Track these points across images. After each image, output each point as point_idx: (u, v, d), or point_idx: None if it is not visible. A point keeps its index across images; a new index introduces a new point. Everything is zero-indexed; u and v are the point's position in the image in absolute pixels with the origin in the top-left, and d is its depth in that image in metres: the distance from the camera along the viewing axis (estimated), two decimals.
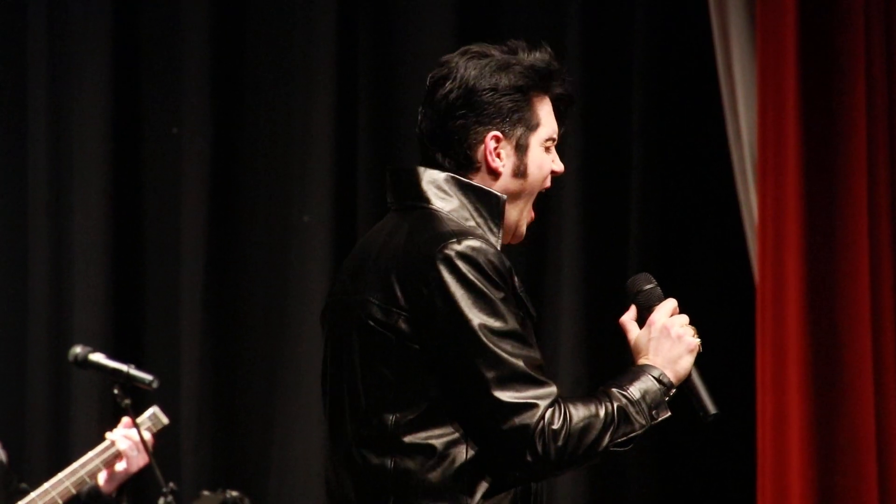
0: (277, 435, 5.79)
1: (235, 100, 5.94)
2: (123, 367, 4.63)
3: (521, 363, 2.78)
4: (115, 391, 4.60)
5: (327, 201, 5.74)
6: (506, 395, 2.76)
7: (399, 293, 2.82)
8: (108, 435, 4.55)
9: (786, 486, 5.30)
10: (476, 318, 2.79)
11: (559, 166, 2.97)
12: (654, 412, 2.85)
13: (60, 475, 4.52)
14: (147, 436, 4.57)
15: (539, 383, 2.78)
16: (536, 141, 2.95)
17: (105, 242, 5.91)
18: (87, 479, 4.52)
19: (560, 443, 2.76)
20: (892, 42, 5.33)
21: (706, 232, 5.71)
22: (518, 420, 2.75)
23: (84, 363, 4.68)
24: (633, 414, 2.82)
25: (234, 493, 4.95)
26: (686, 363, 2.91)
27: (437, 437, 2.81)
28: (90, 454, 4.53)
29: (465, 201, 2.90)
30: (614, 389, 2.83)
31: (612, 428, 2.81)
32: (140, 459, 4.55)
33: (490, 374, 2.77)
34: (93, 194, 5.89)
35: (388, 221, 2.95)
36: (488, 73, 2.91)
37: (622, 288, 5.07)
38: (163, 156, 5.96)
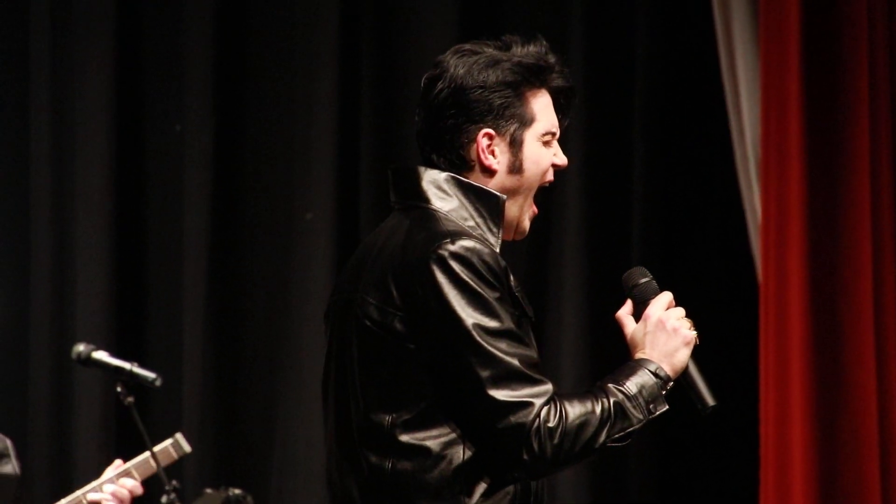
0: (279, 433, 5.79)
1: (238, 97, 5.94)
2: (126, 365, 4.62)
3: (515, 362, 2.77)
4: (118, 389, 4.60)
5: (330, 199, 5.74)
6: (501, 394, 2.76)
7: (395, 293, 2.82)
8: (98, 492, 4.49)
9: (788, 483, 5.31)
10: (470, 317, 2.79)
11: (561, 159, 2.96)
12: (651, 406, 2.83)
13: None
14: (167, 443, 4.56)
15: (534, 381, 2.77)
16: (532, 136, 2.94)
17: (108, 240, 5.90)
18: None
19: (556, 440, 2.75)
20: (895, 40, 5.35)
21: (709, 230, 5.71)
22: (514, 419, 2.75)
23: (87, 361, 4.68)
24: (630, 409, 2.81)
25: (237, 491, 4.95)
26: (683, 356, 2.90)
27: (434, 437, 2.81)
28: (79, 493, 4.50)
29: (465, 201, 2.90)
30: (611, 385, 2.83)
31: (608, 424, 2.80)
32: None
33: (485, 374, 2.77)
34: (95, 192, 5.89)
35: (391, 221, 2.96)
36: (476, 71, 2.90)
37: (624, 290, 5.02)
38: (166, 153, 5.96)
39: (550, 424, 2.75)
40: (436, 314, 2.81)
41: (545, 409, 2.75)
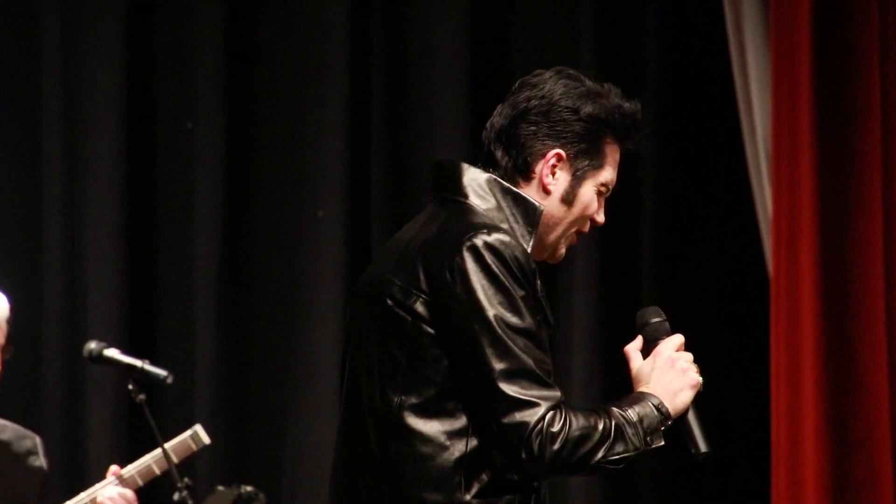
0: (291, 430, 5.80)
1: (249, 95, 5.96)
2: (138, 363, 4.65)
3: (530, 361, 2.80)
4: (130, 387, 4.61)
5: (341, 196, 5.75)
6: (510, 389, 2.79)
7: (422, 276, 2.86)
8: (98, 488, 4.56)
9: (801, 481, 5.31)
10: (493, 309, 2.82)
11: (601, 218, 3.01)
12: (648, 438, 2.87)
13: None
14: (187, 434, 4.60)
15: (545, 384, 2.80)
16: (593, 180, 2.99)
17: (119, 238, 5.92)
18: None
19: (556, 446, 2.78)
20: None
21: (720, 227, 5.71)
22: (518, 416, 2.78)
23: (99, 358, 4.71)
24: (630, 435, 2.85)
25: (249, 489, 4.96)
26: (686, 397, 2.94)
27: (438, 426, 2.83)
28: (83, 496, 4.56)
29: (503, 204, 2.94)
30: (614, 408, 2.86)
31: (607, 443, 2.83)
32: None
33: (499, 366, 2.80)
34: (107, 190, 5.91)
35: (426, 213, 3.00)
36: (575, 96, 2.95)
37: (634, 284, 5.03)
38: (177, 151, 5.98)
39: (553, 429, 2.78)
40: (461, 300, 2.83)
41: (551, 413, 2.78)
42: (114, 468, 4.56)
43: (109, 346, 4.73)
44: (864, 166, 5.32)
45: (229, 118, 5.90)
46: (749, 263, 5.53)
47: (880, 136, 5.30)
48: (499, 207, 2.94)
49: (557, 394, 2.81)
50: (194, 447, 4.65)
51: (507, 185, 2.95)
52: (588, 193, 2.98)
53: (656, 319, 3.01)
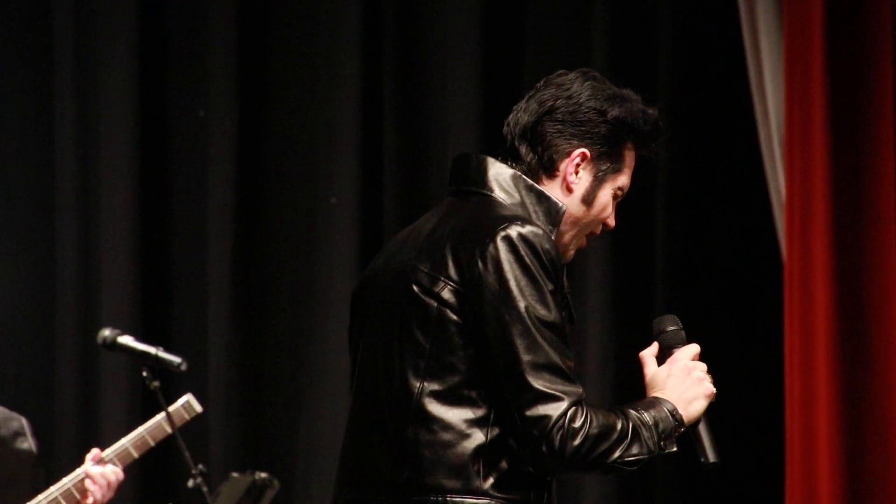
0: (305, 416, 5.82)
1: (261, 82, 5.97)
2: (152, 350, 4.64)
3: (556, 356, 2.82)
4: (144, 374, 4.62)
5: (354, 183, 5.78)
6: (537, 382, 2.80)
7: (451, 264, 2.88)
8: (83, 468, 4.55)
9: (814, 466, 5.32)
10: (525, 300, 2.84)
11: (612, 221, 3.05)
12: (662, 442, 2.89)
13: (40, 497, 4.52)
14: (189, 408, 4.59)
15: (569, 380, 2.82)
16: (612, 183, 3.03)
17: (132, 225, 5.95)
18: (62, 501, 4.51)
19: (577, 442, 2.80)
20: None
21: (734, 211, 5.72)
22: (542, 409, 2.80)
23: (112, 346, 4.70)
24: (645, 437, 2.87)
25: (263, 475, 4.97)
26: (699, 406, 2.96)
27: (460, 413, 2.84)
28: (65, 480, 4.55)
29: (527, 201, 2.96)
30: (631, 410, 2.88)
31: (624, 443, 2.84)
32: (101, 496, 4.57)
33: (526, 358, 2.81)
34: (120, 178, 5.94)
35: (445, 204, 3.01)
36: (602, 98, 2.99)
37: (648, 271, 4.99)
38: (189, 139, 5.99)
39: (575, 425, 2.80)
40: (492, 289, 2.85)
41: (573, 408, 2.80)
42: (94, 451, 4.56)
43: (123, 333, 4.72)
44: (877, 150, 5.31)
45: (242, 105, 5.93)
46: (763, 249, 5.54)
47: (893, 117, 5.30)
48: (522, 204, 2.96)
49: (579, 390, 2.83)
50: (187, 416, 4.64)
51: (531, 182, 2.98)
52: (606, 196, 3.02)
53: (673, 328, 3.03)
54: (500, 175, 2.99)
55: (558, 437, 2.80)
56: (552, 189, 3.00)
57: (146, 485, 5.68)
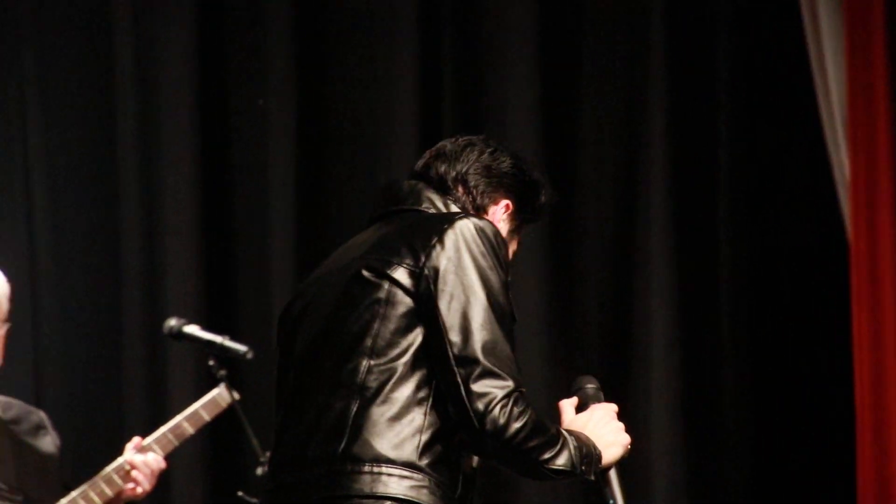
0: None
1: (320, 71, 6.00)
2: (217, 339, 4.68)
3: (508, 345, 2.93)
4: (211, 363, 4.65)
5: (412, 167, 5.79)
6: (488, 360, 2.89)
7: (405, 250, 2.99)
8: (126, 457, 4.60)
9: (886, 445, 5.30)
10: (486, 285, 2.95)
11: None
12: (584, 466, 2.96)
13: (84, 486, 4.58)
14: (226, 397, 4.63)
15: (517, 370, 2.92)
16: (516, 235, 3.21)
17: (195, 215, 5.98)
18: (106, 489, 4.58)
19: (517, 425, 2.88)
20: None
21: (798, 191, 5.74)
22: (490, 385, 2.88)
23: (179, 335, 4.76)
24: (573, 452, 2.94)
25: None
26: (615, 453, 3.02)
27: (403, 392, 2.92)
28: (108, 470, 4.60)
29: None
30: (561, 427, 2.97)
31: (555, 448, 2.92)
32: (147, 485, 4.61)
33: (481, 336, 2.91)
34: (182, 168, 5.96)
35: (372, 227, 3.13)
36: (529, 168, 3.20)
37: (713, 253, 4.92)
38: (249, 127, 6.02)
39: (518, 409, 2.88)
40: (453, 268, 2.95)
41: (517, 394, 2.89)
42: (136, 439, 4.61)
43: (189, 322, 4.78)
44: None
45: (300, 94, 5.94)
46: (828, 228, 5.56)
47: None
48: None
49: (522, 385, 2.91)
50: (223, 405, 4.66)
51: (459, 204, 3.13)
52: (512, 243, 3.18)
53: (592, 386, 3.13)
54: (433, 197, 3.12)
55: (500, 415, 2.88)
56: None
57: (216, 474, 5.72)
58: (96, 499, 4.51)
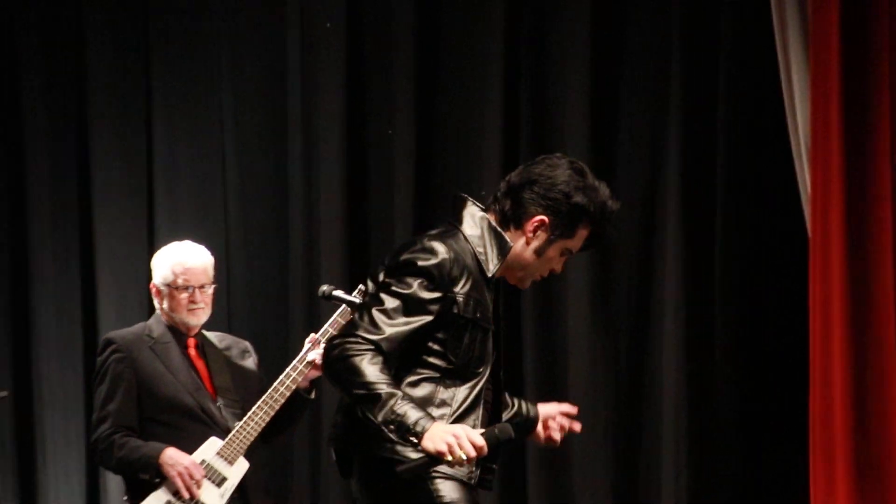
0: None
1: (432, 107, 6.54)
2: (357, 299, 4.99)
3: (379, 314, 3.28)
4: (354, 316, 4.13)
5: (498, 178, 4.79)
6: (360, 313, 3.39)
7: (388, 257, 3.44)
8: (304, 350, 4.96)
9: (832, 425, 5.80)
10: (390, 281, 3.33)
11: (559, 269, 3.51)
12: (392, 425, 3.18)
13: (276, 383, 4.98)
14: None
15: (377, 328, 3.27)
16: (561, 246, 3.46)
17: (343, 210, 6.51)
18: (298, 380, 4.99)
19: (346, 353, 3.22)
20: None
21: (771, 198, 6.17)
22: (354, 322, 3.35)
23: (329, 297, 5.04)
24: (387, 410, 3.16)
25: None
26: (428, 445, 3.19)
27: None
28: (295, 362, 5.01)
29: (486, 234, 3.45)
30: (404, 398, 3.24)
31: (369, 393, 3.17)
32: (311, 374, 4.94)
33: (367, 308, 3.36)
34: (333, 178, 6.55)
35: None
36: (573, 186, 3.42)
37: (710, 239, 5.77)
38: (381, 151, 6.59)
39: (359, 346, 3.27)
40: (390, 262, 3.39)
41: (366, 342, 3.24)
42: (311, 335, 5.06)
43: (337, 287, 5.06)
44: (879, 156, 5.77)
45: (419, 125, 6.51)
46: (793, 226, 6.00)
47: (889, 132, 5.77)
48: (481, 235, 3.43)
49: (378, 340, 3.23)
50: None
51: (495, 224, 3.45)
52: (553, 254, 3.46)
53: (505, 437, 3.32)
54: (472, 213, 3.43)
55: (347, 340, 3.26)
56: (516, 236, 3.45)
57: None
58: (291, 384, 4.99)
